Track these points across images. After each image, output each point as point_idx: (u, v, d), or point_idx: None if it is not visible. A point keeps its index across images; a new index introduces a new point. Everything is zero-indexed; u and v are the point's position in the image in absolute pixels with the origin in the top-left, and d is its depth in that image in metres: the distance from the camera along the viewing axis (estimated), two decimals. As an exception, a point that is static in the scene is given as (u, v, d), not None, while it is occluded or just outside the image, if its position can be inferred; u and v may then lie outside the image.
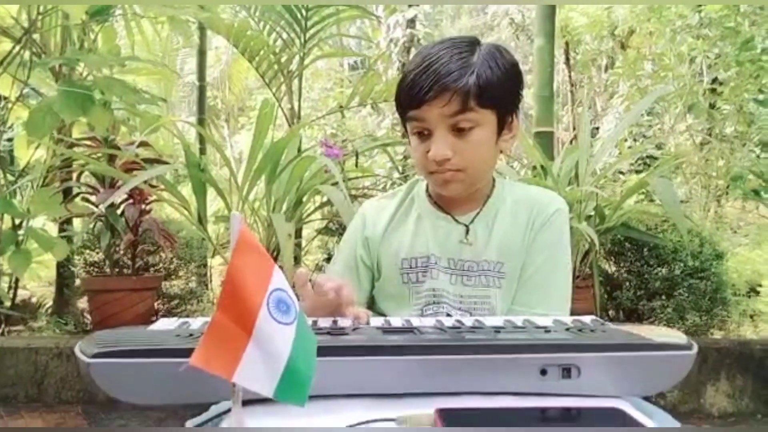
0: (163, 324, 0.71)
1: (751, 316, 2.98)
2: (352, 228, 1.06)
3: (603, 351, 0.60)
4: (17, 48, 2.56)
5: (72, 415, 2.12)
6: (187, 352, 0.55)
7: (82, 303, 2.95)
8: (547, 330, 0.67)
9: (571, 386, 0.60)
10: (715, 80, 4.66)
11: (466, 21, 9.54)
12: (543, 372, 0.60)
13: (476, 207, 0.98)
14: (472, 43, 0.91)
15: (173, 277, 2.87)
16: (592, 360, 0.60)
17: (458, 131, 0.88)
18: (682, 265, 2.37)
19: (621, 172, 5.21)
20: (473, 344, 0.60)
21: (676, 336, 0.65)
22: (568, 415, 0.57)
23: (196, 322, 0.71)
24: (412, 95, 0.88)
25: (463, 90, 0.85)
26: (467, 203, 0.98)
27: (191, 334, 0.62)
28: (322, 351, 0.54)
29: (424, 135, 0.90)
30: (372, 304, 1.05)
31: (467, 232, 0.96)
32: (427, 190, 1.02)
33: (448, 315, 0.93)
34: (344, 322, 0.72)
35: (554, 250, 0.96)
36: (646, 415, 0.62)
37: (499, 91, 0.88)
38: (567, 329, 0.68)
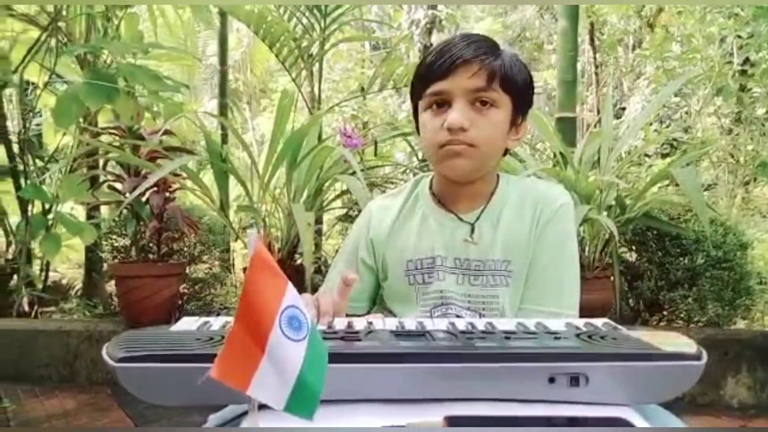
0: (185, 324, 0.74)
1: (777, 305, 2.93)
2: (356, 228, 1.06)
3: (611, 360, 0.61)
4: (44, 36, 2.62)
5: (103, 396, 2.20)
6: (207, 358, 0.58)
7: (110, 286, 3.04)
8: (557, 336, 0.68)
9: (579, 394, 0.61)
10: (746, 61, 4.53)
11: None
12: (551, 380, 0.61)
13: (480, 205, 0.97)
14: (495, 42, 0.93)
15: (197, 261, 2.93)
16: (600, 369, 0.61)
17: (478, 107, 0.89)
18: (704, 255, 2.34)
19: (647, 155, 5.12)
20: (483, 352, 0.62)
21: (686, 344, 0.65)
22: (573, 424, 0.58)
23: (216, 322, 0.73)
24: (436, 66, 0.89)
25: (490, 66, 0.87)
26: (471, 200, 0.97)
27: (211, 338, 0.65)
28: (336, 358, 0.57)
29: (441, 108, 0.90)
30: (380, 303, 1.06)
31: (472, 230, 0.96)
32: (430, 188, 1.02)
33: (458, 316, 0.93)
34: (359, 325, 0.74)
35: (562, 245, 0.95)
36: (652, 421, 0.63)
37: (520, 84, 0.91)
38: (577, 335, 0.68)
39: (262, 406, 0.52)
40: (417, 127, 0.98)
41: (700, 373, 0.63)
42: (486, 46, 0.89)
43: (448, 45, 0.90)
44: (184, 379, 0.59)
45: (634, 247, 2.54)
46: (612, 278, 2.25)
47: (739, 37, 4.19)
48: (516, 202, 0.97)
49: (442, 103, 0.90)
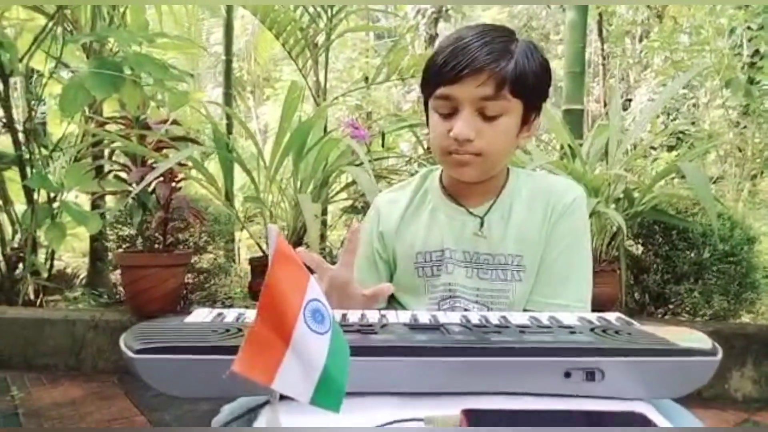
0: (199, 315, 0.74)
1: (783, 299, 2.93)
2: (367, 222, 1.05)
3: (627, 355, 0.61)
4: (50, 24, 2.61)
5: (109, 384, 2.22)
6: (225, 350, 0.58)
7: (114, 275, 3.05)
8: (572, 331, 0.68)
9: (595, 389, 0.61)
10: (756, 53, 4.48)
11: (496, -10, 9.28)
12: (567, 375, 0.61)
13: (491, 198, 0.96)
14: (511, 33, 0.89)
15: (202, 252, 2.93)
16: (615, 364, 0.61)
17: (485, 116, 0.86)
18: (711, 249, 2.34)
19: (653, 147, 5.10)
20: (499, 346, 0.62)
21: (701, 340, 0.65)
22: (590, 418, 0.59)
23: (229, 314, 0.74)
24: (445, 71, 0.85)
25: (500, 74, 0.84)
26: (481, 194, 0.97)
27: (227, 330, 0.65)
28: (353, 351, 0.56)
29: (448, 114, 0.88)
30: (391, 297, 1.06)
31: (482, 224, 0.95)
32: (440, 181, 1.01)
33: (465, 309, 0.92)
34: (372, 317, 0.74)
35: (573, 239, 0.94)
36: (668, 416, 0.63)
37: (532, 84, 0.87)
38: (592, 330, 0.68)
39: (282, 398, 0.53)
40: (427, 117, 0.97)
41: (715, 368, 0.63)
42: (499, 49, 0.84)
43: (461, 45, 0.85)
44: (201, 370, 0.59)
45: (640, 241, 2.54)
46: (618, 271, 2.25)
47: (749, 28, 4.15)
48: (527, 196, 0.96)
49: (451, 109, 0.88)
